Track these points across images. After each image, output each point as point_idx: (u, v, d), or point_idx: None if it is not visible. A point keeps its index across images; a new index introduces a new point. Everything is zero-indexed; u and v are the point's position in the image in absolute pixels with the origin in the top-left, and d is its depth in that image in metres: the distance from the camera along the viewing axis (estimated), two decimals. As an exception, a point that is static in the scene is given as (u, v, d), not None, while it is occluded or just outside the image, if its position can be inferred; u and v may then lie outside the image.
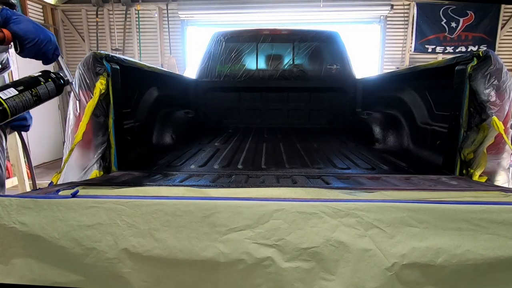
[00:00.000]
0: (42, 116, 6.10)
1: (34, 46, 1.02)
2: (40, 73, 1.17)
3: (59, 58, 1.16)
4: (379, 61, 6.99)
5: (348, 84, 3.43)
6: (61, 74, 1.20)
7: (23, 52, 1.03)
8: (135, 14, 6.90)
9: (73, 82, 1.26)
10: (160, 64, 7.00)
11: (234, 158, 2.02)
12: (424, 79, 2.06)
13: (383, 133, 2.42)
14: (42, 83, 1.13)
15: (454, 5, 6.43)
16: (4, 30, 0.99)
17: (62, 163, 1.31)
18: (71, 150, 1.30)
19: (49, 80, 1.15)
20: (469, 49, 6.63)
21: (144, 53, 7.12)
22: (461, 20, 6.56)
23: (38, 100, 1.12)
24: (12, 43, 1.03)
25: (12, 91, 1.04)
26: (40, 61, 1.10)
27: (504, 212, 0.87)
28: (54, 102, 6.63)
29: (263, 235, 0.89)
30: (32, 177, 1.43)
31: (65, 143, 1.44)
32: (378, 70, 6.93)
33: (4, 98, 1.01)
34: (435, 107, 1.93)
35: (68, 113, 1.45)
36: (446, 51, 6.67)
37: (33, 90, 1.09)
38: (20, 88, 1.06)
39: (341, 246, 0.88)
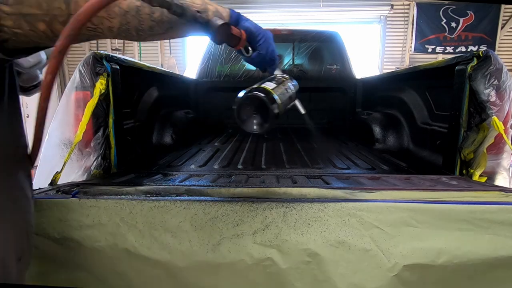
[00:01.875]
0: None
1: (265, 42, 0.91)
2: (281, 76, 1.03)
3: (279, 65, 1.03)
4: (379, 61, 6.99)
5: (348, 84, 3.43)
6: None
7: (256, 50, 0.91)
8: (135, 14, 6.89)
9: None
10: (160, 64, 6.99)
11: (234, 158, 2.02)
12: (424, 79, 2.06)
13: (383, 133, 2.42)
14: (289, 84, 1.01)
15: (454, 5, 6.43)
16: (242, 31, 0.90)
17: (62, 163, 1.31)
18: (71, 150, 1.30)
19: (291, 84, 1.03)
20: (469, 49, 6.63)
21: (144, 53, 7.11)
22: (461, 20, 6.56)
23: (290, 99, 0.98)
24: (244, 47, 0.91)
25: (271, 85, 0.92)
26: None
27: (504, 212, 0.87)
28: (54, 102, 6.60)
29: (263, 235, 0.89)
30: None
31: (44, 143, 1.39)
32: (378, 70, 6.93)
33: (276, 93, 0.89)
34: (435, 107, 1.93)
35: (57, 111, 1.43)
36: (446, 51, 6.67)
37: (289, 91, 0.97)
38: (279, 85, 0.94)
39: (341, 246, 0.88)
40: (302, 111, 1.08)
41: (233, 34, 0.86)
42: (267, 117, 0.86)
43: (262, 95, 0.85)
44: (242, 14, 0.93)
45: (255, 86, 0.90)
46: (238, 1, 6.53)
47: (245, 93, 0.87)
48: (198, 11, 0.78)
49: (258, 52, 0.91)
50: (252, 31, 0.90)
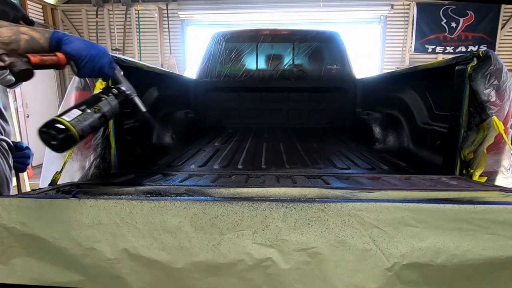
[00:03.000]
0: (42, 116, 6.10)
1: (88, 62, 1.00)
2: (101, 90, 1.14)
3: (116, 72, 1.13)
4: (379, 61, 6.98)
5: (348, 84, 3.43)
6: (122, 88, 1.16)
7: (80, 71, 1.01)
8: (135, 14, 6.90)
9: (135, 95, 1.21)
10: (160, 64, 7.00)
11: (234, 158, 2.02)
12: (424, 79, 2.06)
13: (383, 133, 2.42)
14: (103, 99, 1.08)
15: (454, 5, 6.42)
16: (58, 54, 0.97)
17: (62, 163, 1.31)
18: (71, 150, 1.30)
19: (110, 94, 1.11)
20: (469, 49, 6.63)
21: (144, 53, 7.12)
22: (461, 20, 6.56)
23: (103, 117, 1.07)
24: (70, 65, 1.00)
25: (75, 112, 1.00)
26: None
27: (504, 212, 0.87)
28: (54, 102, 6.63)
29: (263, 235, 0.89)
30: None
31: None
32: (378, 70, 6.93)
33: (68, 120, 0.96)
34: (435, 107, 1.93)
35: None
36: (446, 51, 6.67)
37: (96, 107, 1.05)
38: (83, 107, 1.02)
39: (341, 246, 0.88)
40: (143, 108, 1.23)
41: (47, 65, 0.95)
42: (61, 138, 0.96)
43: (52, 131, 0.95)
44: (67, 36, 1.00)
45: (52, 118, 0.99)
46: (238, 1, 6.54)
47: (40, 127, 0.97)
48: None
49: (83, 72, 1.01)
50: (73, 55, 0.98)
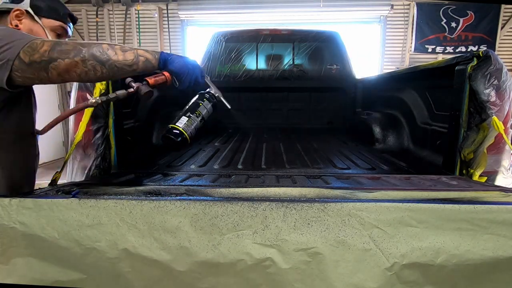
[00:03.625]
0: (42, 116, 6.09)
1: (187, 76, 1.14)
2: (197, 96, 1.36)
3: (206, 79, 1.29)
4: (379, 61, 6.98)
5: (348, 84, 3.43)
6: (211, 92, 1.37)
7: (181, 84, 1.16)
8: (135, 14, 6.90)
9: (221, 96, 1.40)
10: (160, 64, 6.99)
11: (234, 158, 2.02)
12: (424, 79, 2.06)
13: (383, 133, 2.42)
14: (201, 104, 1.32)
15: (454, 5, 6.42)
16: (165, 73, 1.15)
17: (63, 163, 1.31)
18: (71, 150, 1.30)
19: (205, 100, 1.34)
20: (469, 49, 6.63)
21: (144, 53, 7.11)
22: (461, 20, 6.55)
23: (202, 119, 1.31)
24: (173, 80, 1.17)
25: (183, 119, 1.26)
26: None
27: (504, 212, 0.87)
28: (54, 102, 6.63)
29: (263, 235, 0.89)
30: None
31: (65, 143, 1.44)
32: (378, 70, 6.93)
33: (181, 126, 1.24)
34: (435, 107, 1.93)
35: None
36: (446, 51, 6.67)
37: (197, 112, 1.29)
38: (188, 114, 1.28)
39: (341, 246, 0.88)
40: (228, 106, 1.42)
41: (160, 84, 1.16)
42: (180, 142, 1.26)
43: (171, 136, 1.25)
44: (170, 55, 1.12)
45: (169, 126, 1.26)
46: (238, 1, 6.54)
47: (163, 134, 1.27)
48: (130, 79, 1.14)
49: (183, 85, 1.16)
50: (176, 73, 1.14)
